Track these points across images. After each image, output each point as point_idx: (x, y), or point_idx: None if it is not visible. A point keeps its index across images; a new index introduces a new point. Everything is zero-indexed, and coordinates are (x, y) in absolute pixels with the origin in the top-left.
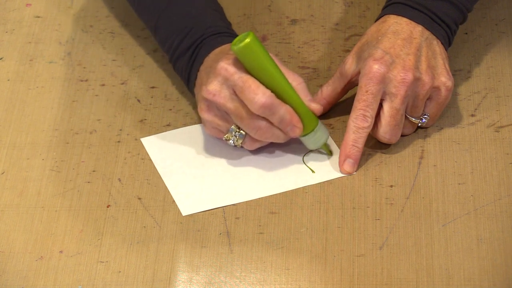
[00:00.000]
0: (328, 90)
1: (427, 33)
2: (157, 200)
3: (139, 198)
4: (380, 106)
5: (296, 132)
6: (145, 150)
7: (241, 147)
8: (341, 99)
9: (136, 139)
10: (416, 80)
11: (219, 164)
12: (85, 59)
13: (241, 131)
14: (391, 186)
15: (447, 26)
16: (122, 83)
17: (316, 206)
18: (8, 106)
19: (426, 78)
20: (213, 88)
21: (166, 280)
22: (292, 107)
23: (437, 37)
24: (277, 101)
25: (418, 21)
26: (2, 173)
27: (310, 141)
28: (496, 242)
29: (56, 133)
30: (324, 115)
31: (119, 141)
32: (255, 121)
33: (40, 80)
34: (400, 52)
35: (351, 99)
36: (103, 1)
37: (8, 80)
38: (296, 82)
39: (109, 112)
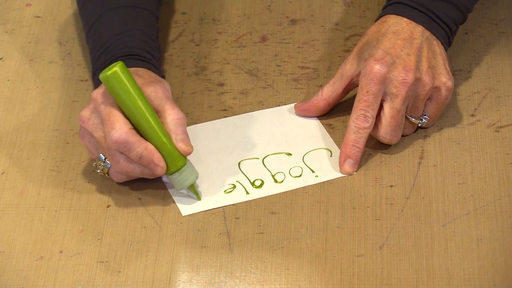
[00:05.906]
0: (328, 91)
1: (427, 33)
2: (157, 200)
3: (139, 198)
4: (381, 106)
5: (157, 171)
6: None
7: (109, 176)
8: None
9: None
10: (417, 80)
11: (219, 164)
12: (85, 59)
13: (108, 161)
14: (391, 186)
15: (447, 26)
16: None
17: (316, 206)
18: (8, 106)
19: (426, 78)
20: (84, 114)
21: (166, 280)
22: (155, 144)
23: (437, 37)
24: (136, 137)
25: (418, 21)
26: (2, 173)
27: (175, 181)
28: (496, 242)
29: (56, 133)
30: (324, 115)
31: None
32: (115, 155)
33: (40, 80)
34: (400, 52)
35: (352, 99)
36: None
37: (8, 80)
38: (172, 117)
39: None
